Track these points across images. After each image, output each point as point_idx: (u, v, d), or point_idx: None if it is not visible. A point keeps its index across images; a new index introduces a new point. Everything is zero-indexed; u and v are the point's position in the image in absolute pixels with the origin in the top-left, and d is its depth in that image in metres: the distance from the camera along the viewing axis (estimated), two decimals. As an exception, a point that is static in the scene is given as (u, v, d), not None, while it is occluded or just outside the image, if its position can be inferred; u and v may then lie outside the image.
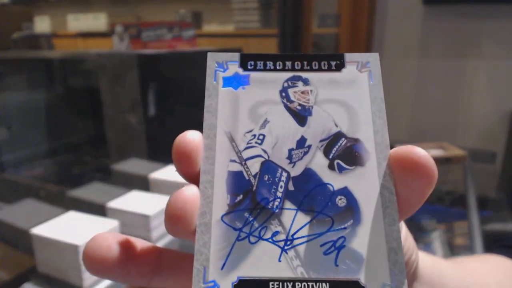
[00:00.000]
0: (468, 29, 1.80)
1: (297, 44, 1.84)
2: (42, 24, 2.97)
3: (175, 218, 0.13)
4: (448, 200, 1.09)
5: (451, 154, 1.19)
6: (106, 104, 1.14)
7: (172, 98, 1.21)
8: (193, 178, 0.14)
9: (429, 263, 0.23)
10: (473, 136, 1.90)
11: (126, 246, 0.14)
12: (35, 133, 1.48)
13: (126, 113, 1.11)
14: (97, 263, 0.13)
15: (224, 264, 0.13)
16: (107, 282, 0.64)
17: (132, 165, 0.99)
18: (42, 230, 0.63)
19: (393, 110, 2.08)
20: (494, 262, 0.35)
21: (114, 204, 0.76)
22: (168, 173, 0.89)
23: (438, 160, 1.18)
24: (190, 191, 0.14)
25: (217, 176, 0.14)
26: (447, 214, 1.02)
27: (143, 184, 0.87)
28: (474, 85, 1.85)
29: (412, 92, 2.00)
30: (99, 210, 0.76)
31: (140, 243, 0.14)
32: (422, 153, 0.13)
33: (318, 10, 2.13)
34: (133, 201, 0.78)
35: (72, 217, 0.69)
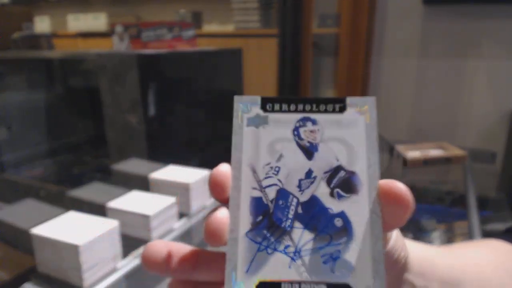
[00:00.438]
0: (468, 29, 1.80)
1: (297, 44, 1.84)
2: (42, 24, 2.97)
3: (212, 235, 0.17)
4: (448, 200, 1.09)
5: (451, 154, 1.20)
6: (106, 104, 1.15)
7: (172, 98, 1.21)
8: (224, 201, 0.18)
9: (420, 254, 0.25)
10: (473, 136, 1.90)
11: (171, 250, 0.19)
12: (35, 133, 1.48)
13: (126, 113, 1.11)
14: (151, 264, 0.18)
15: (248, 269, 0.17)
16: (107, 282, 0.64)
17: (132, 165, 0.99)
18: (42, 230, 0.63)
19: (393, 110, 2.08)
20: (493, 247, 0.35)
21: (114, 204, 0.76)
22: (168, 173, 0.89)
23: (438, 160, 1.18)
24: (222, 214, 0.18)
25: (242, 201, 0.18)
26: (447, 214, 1.02)
27: (143, 184, 0.87)
28: (474, 85, 1.85)
29: (412, 92, 2.01)
30: (99, 210, 0.76)
31: (182, 247, 0.19)
32: (402, 188, 0.17)
33: (318, 10, 2.13)
34: (133, 201, 0.78)
35: (72, 217, 0.69)
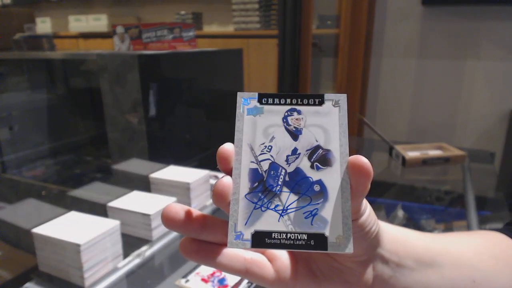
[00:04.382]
0: (466, 30, 1.81)
1: (297, 45, 1.84)
2: (43, 25, 2.98)
3: (218, 195, 0.22)
4: (447, 200, 1.09)
5: (450, 154, 1.20)
6: (107, 105, 1.15)
7: (173, 98, 1.22)
8: (228, 171, 0.23)
9: (395, 233, 0.29)
10: (472, 136, 1.91)
11: (185, 213, 0.23)
12: (37, 133, 1.48)
13: (127, 114, 1.12)
14: (168, 221, 0.22)
15: (246, 222, 0.22)
16: (107, 281, 0.65)
17: (133, 165, 1.00)
18: (44, 229, 0.64)
19: (392, 110, 2.08)
20: (485, 236, 0.36)
21: (115, 203, 0.77)
22: (168, 173, 0.90)
23: (437, 160, 1.18)
24: (227, 180, 0.22)
25: (242, 171, 0.23)
26: (446, 214, 1.03)
27: (144, 184, 0.88)
28: (473, 85, 1.86)
29: (411, 92, 2.01)
30: (100, 209, 0.77)
31: (194, 211, 0.23)
32: (365, 161, 0.22)
33: (317, 11, 2.14)
34: (134, 200, 0.79)
35: (73, 216, 0.69)
